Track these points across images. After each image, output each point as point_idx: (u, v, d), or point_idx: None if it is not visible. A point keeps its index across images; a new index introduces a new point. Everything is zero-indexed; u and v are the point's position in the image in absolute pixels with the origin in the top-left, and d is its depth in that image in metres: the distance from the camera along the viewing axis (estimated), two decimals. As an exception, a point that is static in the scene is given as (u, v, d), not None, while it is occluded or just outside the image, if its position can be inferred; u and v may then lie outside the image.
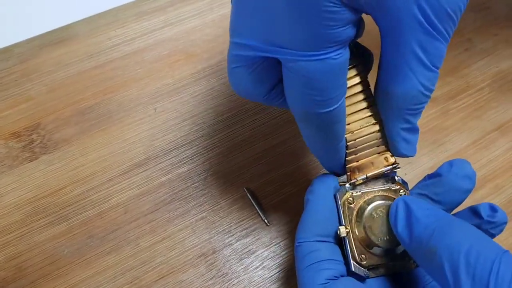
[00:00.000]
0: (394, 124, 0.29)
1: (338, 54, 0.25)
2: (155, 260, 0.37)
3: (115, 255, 0.37)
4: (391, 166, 0.31)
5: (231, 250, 0.38)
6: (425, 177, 0.32)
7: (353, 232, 0.30)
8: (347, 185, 0.32)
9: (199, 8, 0.51)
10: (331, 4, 0.23)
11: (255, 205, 0.40)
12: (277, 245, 0.39)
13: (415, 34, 0.24)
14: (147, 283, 0.36)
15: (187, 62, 0.47)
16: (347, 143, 0.31)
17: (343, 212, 0.31)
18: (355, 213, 0.31)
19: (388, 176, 0.32)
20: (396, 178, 0.32)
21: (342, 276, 0.30)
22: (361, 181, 0.32)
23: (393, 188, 0.32)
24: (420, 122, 0.45)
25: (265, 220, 0.39)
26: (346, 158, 0.32)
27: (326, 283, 0.29)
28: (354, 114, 0.31)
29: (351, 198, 0.31)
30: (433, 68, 0.26)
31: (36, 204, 0.39)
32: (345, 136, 0.31)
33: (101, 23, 0.49)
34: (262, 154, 0.43)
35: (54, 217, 0.39)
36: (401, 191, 0.32)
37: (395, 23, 0.24)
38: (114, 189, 0.40)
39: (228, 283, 0.37)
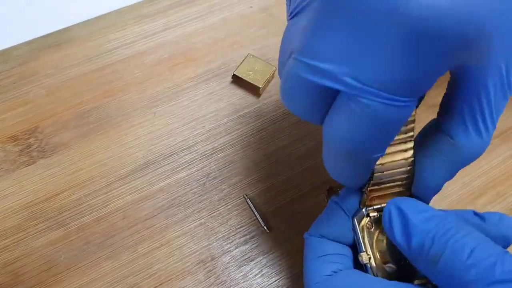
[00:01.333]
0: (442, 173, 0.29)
1: (413, 102, 0.23)
2: (153, 267, 0.37)
3: (112, 261, 0.37)
4: None
5: (230, 257, 0.38)
6: (470, 210, 0.31)
7: (375, 258, 0.29)
8: (364, 209, 0.30)
9: (200, 11, 0.51)
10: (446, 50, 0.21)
11: (254, 211, 0.40)
12: (277, 252, 0.38)
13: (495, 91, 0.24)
14: (145, 290, 0.36)
15: (187, 65, 0.47)
16: (374, 174, 0.29)
17: (362, 238, 0.30)
18: (375, 238, 0.30)
19: None
20: None
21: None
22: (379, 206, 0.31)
23: None
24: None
25: (265, 227, 0.39)
26: (369, 187, 0.30)
27: (331, 275, 0.29)
28: (391, 146, 0.29)
29: (369, 223, 0.30)
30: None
31: (33, 209, 0.39)
32: (375, 167, 0.29)
33: (100, 26, 0.49)
34: (262, 160, 0.42)
35: (51, 222, 0.38)
36: None
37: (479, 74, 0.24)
38: (113, 194, 0.40)
39: (227, 290, 0.37)
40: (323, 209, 0.40)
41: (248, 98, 0.46)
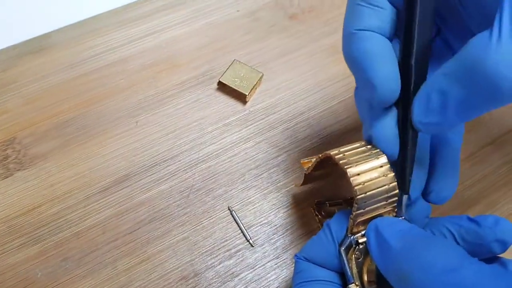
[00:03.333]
0: None
1: None
2: (133, 284, 0.36)
3: (91, 278, 0.36)
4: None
5: (213, 273, 0.36)
6: (463, 216, 0.29)
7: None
8: (351, 237, 0.29)
9: (185, 15, 0.49)
10: None
11: (239, 225, 0.38)
12: (262, 267, 0.37)
13: None
14: (125, 309, 0.35)
15: (171, 72, 0.46)
16: (357, 197, 0.27)
17: (350, 268, 0.28)
18: (365, 267, 0.28)
19: None
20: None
21: None
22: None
23: None
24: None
25: (250, 241, 0.38)
26: (354, 212, 0.28)
27: None
28: (364, 164, 0.28)
29: (358, 252, 0.28)
30: None
31: (9, 224, 0.37)
32: (356, 188, 0.27)
33: (83, 31, 0.47)
34: (248, 170, 0.41)
35: (28, 238, 0.37)
36: None
37: None
38: (92, 208, 0.38)
39: (210, 308, 0.35)
40: (311, 222, 0.39)
41: (234, 105, 0.44)
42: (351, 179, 0.27)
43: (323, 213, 0.39)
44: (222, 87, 0.45)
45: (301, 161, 0.34)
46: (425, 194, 0.32)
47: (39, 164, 0.40)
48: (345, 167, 0.27)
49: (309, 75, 0.46)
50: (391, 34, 0.28)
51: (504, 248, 0.28)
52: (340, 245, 0.29)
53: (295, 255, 0.31)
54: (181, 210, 0.39)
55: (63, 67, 0.45)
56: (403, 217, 0.29)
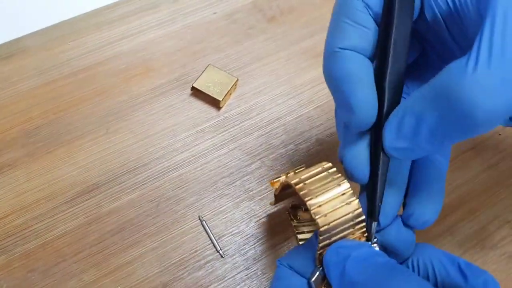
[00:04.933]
0: None
1: None
2: (99, 296, 0.35)
3: (56, 291, 0.35)
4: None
5: (182, 285, 0.36)
6: (456, 260, 0.27)
7: None
8: (320, 268, 0.27)
9: (161, 18, 0.48)
10: None
11: (209, 235, 0.37)
12: (232, 278, 0.36)
13: None
14: (89, 322, 0.34)
15: (145, 76, 0.45)
16: (320, 228, 0.26)
17: None
18: None
19: None
20: (373, 245, 0.28)
21: None
22: None
23: None
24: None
25: (220, 251, 0.37)
26: (319, 244, 0.27)
27: None
28: (327, 192, 0.27)
29: (328, 284, 0.27)
30: None
31: (-26, 235, 0.37)
32: (317, 220, 0.26)
33: (54, 35, 0.46)
34: (220, 179, 0.40)
35: (-7, 249, 0.36)
36: None
37: None
38: (59, 218, 0.38)
39: (178, 321, 0.35)
40: (284, 232, 0.38)
41: (208, 111, 0.43)
42: (312, 211, 0.26)
43: (298, 217, 0.38)
44: (196, 93, 0.44)
45: (270, 182, 0.33)
46: (405, 217, 0.30)
47: (7, 173, 0.39)
48: (305, 199, 0.26)
49: (286, 79, 0.45)
50: (373, 55, 0.27)
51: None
52: (310, 278, 0.28)
53: (278, 260, 0.30)
54: (151, 220, 0.38)
55: (33, 74, 0.44)
56: (375, 242, 0.28)
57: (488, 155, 0.43)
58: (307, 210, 0.38)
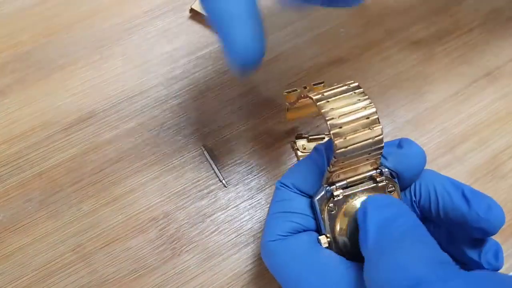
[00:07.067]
0: None
1: None
2: (100, 226, 0.34)
3: (55, 220, 0.34)
4: (375, 171, 0.27)
5: (184, 214, 0.35)
6: (461, 187, 0.26)
7: (336, 242, 0.26)
8: (327, 188, 0.26)
9: None
10: None
11: (212, 165, 0.36)
12: (235, 208, 0.35)
13: None
14: (91, 251, 0.33)
15: (139, -2, 0.41)
16: (336, 151, 0.24)
17: (323, 220, 0.26)
18: (337, 221, 0.26)
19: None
20: (383, 171, 0.27)
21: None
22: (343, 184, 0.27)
23: (380, 185, 0.27)
24: (401, 68, 0.40)
25: (223, 181, 0.36)
26: (331, 164, 0.25)
27: (286, 236, 0.26)
28: (351, 114, 0.24)
29: (331, 205, 0.26)
30: None
31: (-33, 164, 0.35)
32: (336, 142, 0.24)
33: (39, -49, 0.42)
34: (222, 107, 0.38)
35: (-13, 179, 0.35)
36: (390, 186, 0.27)
37: None
38: (55, 147, 0.36)
39: (181, 249, 0.34)
40: (288, 162, 0.37)
41: (208, 35, 0.41)
42: (332, 131, 0.24)
43: (304, 147, 0.37)
44: (195, 15, 0.41)
45: (285, 95, 0.31)
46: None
47: (-3, 100, 0.37)
48: (327, 117, 0.24)
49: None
50: None
51: (485, 236, 0.26)
52: (314, 196, 0.26)
53: (277, 182, 0.28)
54: (151, 149, 0.36)
55: (19, -7, 0.41)
56: (388, 169, 0.27)
57: (502, 84, 0.41)
58: (311, 140, 0.37)
